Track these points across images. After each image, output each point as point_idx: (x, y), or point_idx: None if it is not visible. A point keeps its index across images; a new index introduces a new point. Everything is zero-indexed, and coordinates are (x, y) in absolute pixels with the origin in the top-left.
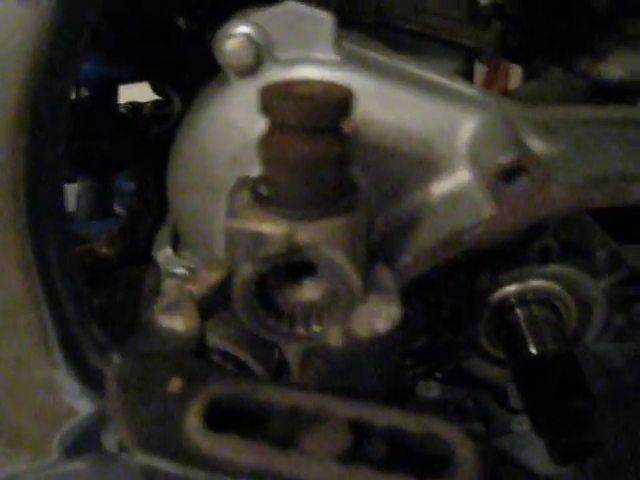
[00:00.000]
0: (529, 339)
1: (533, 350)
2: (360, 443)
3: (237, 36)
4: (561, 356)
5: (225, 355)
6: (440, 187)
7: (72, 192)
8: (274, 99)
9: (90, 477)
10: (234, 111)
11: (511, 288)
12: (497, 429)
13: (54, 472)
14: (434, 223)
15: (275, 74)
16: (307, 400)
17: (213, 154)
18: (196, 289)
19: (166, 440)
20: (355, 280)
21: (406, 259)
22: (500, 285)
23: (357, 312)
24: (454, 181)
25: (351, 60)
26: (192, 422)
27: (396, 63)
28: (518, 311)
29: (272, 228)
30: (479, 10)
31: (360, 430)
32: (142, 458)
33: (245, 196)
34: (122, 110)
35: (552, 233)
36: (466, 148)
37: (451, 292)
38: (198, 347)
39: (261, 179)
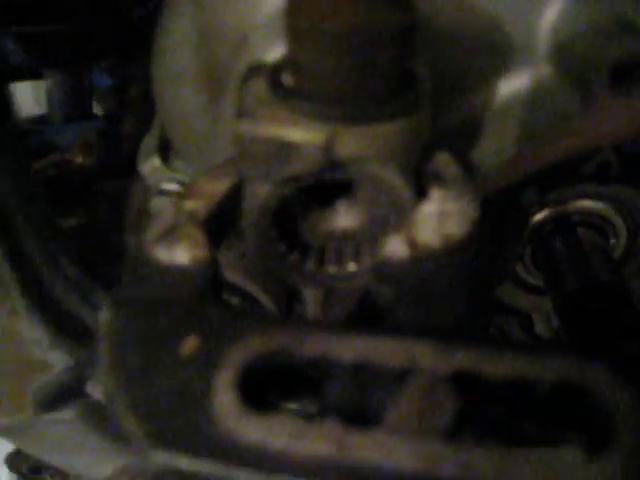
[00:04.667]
0: (574, 268)
1: (579, 280)
2: (469, 406)
3: None
4: (612, 287)
5: (230, 288)
6: (513, 85)
7: (41, 90)
8: None
9: (79, 427)
10: None
11: (556, 208)
12: None
13: (39, 422)
14: (505, 132)
15: None
16: (384, 349)
17: (213, 33)
18: (198, 206)
19: (188, 427)
20: (410, 203)
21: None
22: (545, 204)
23: (421, 215)
24: (532, 78)
25: None
26: (222, 398)
27: None
28: (561, 236)
29: (303, 135)
30: None
31: (467, 387)
32: (160, 456)
33: (262, 88)
34: None
35: (613, 147)
36: (550, 35)
37: (492, 207)
38: (213, 287)
39: (286, 63)
